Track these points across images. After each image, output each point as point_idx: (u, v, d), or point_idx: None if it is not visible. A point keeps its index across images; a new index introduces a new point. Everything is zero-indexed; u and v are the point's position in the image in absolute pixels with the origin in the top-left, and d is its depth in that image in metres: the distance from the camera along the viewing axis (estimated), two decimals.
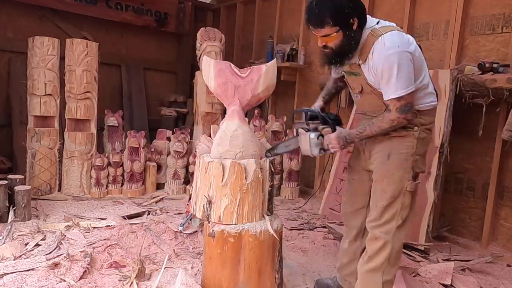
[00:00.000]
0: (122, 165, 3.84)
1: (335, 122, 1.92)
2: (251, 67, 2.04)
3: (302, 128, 1.93)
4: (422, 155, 1.86)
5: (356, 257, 2.05)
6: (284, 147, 2.06)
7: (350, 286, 2.11)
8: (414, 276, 2.47)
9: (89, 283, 2.09)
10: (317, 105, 2.06)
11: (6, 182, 2.98)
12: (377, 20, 1.77)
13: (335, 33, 1.68)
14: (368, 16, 1.75)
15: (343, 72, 1.94)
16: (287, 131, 4.28)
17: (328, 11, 1.63)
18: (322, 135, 1.87)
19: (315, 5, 1.66)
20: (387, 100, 1.72)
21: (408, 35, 1.76)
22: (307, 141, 1.87)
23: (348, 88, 2.00)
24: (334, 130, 1.86)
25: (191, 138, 4.37)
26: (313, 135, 1.86)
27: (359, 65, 1.77)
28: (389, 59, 1.63)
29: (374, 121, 1.80)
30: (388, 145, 1.82)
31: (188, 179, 4.14)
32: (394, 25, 1.76)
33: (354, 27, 1.68)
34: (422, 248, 2.87)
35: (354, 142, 1.86)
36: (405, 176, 1.80)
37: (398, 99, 1.68)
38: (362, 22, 1.71)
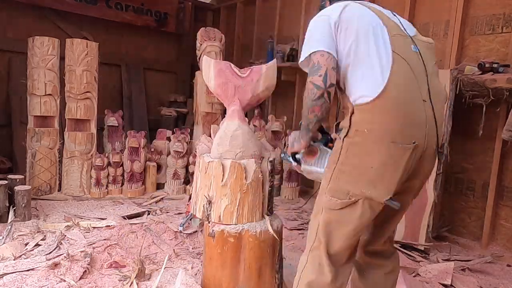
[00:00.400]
0: (122, 165, 3.84)
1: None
2: (251, 67, 2.04)
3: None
4: (354, 169, 1.41)
5: None
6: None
7: None
8: (414, 276, 2.47)
9: (89, 283, 2.09)
10: None
11: (6, 182, 2.98)
12: None
13: None
14: None
15: None
16: (287, 131, 4.28)
17: None
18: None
19: None
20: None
21: (347, 3, 1.50)
22: None
23: None
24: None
25: (191, 138, 4.37)
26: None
27: None
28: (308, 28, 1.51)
29: None
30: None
31: (188, 179, 4.14)
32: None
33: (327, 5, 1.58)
34: (422, 248, 2.87)
35: (304, 136, 1.55)
36: (325, 187, 1.48)
37: (307, 60, 1.47)
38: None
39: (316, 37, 1.45)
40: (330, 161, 1.50)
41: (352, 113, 1.41)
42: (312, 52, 1.43)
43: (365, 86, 1.39)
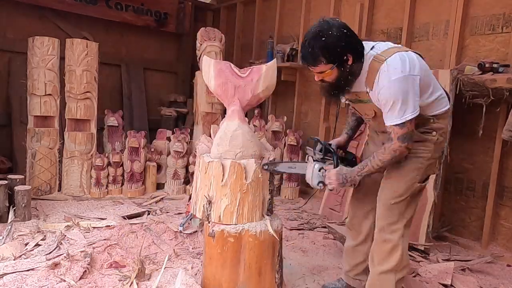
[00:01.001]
0: (122, 165, 3.84)
1: (348, 161, 1.91)
2: (251, 67, 2.04)
3: (311, 156, 1.92)
4: (437, 159, 1.90)
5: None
6: (288, 167, 2.00)
7: (361, 284, 2.13)
8: (414, 276, 2.47)
9: (89, 283, 2.09)
10: (338, 139, 2.05)
11: (6, 182, 2.98)
12: (372, 44, 1.75)
13: (329, 70, 1.68)
14: (364, 42, 1.75)
15: (348, 101, 1.94)
16: (288, 131, 4.28)
17: (321, 50, 1.63)
18: (325, 169, 1.85)
19: (308, 44, 1.65)
20: (389, 127, 1.71)
21: (410, 53, 1.72)
22: (311, 171, 1.87)
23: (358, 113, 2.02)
24: (336, 166, 1.83)
25: (191, 138, 4.37)
26: (317, 165, 1.85)
27: (367, 92, 1.76)
28: (394, 86, 1.63)
29: (375, 154, 1.77)
30: None
31: (188, 179, 4.14)
32: (392, 44, 1.76)
33: (349, 62, 1.68)
34: (422, 248, 2.87)
35: (355, 180, 1.81)
36: (417, 178, 1.82)
37: (401, 126, 1.66)
38: (359, 56, 1.70)
39: (412, 102, 1.64)
40: (420, 158, 1.82)
41: (436, 121, 1.83)
42: (409, 120, 1.65)
43: (445, 100, 1.87)
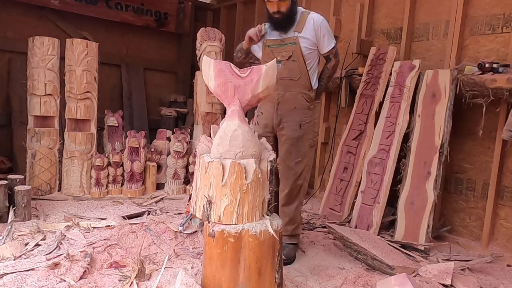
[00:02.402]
0: (122, 165, 3.84)
1: None
2: (251, 67, 2.04)
3: None
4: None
5: None
6: None
7: None
8: (414, 276, 2.47)
9: (89, 283, 2.09)
10: None
11: (6, 182, 2.98)
12: None
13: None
14: None
15: (258, 49, 2.83)
16: None
17: None
18: None
19: None
20: (328, 51, 2.53)
21: None
22: None
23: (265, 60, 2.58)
24: None
25: (191, 138, 4.37)
26: None
27: (296, 37, 2.45)
28: (324, 23, 2.49)
29: (322, 76, 2.63)
30: (300, 115, 2.53)
31: (188, 179, 4.14)
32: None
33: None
34: (422, 248, 2.87)
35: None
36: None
37: (334, 46, 2.54)
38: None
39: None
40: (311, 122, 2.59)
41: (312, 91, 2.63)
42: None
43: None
